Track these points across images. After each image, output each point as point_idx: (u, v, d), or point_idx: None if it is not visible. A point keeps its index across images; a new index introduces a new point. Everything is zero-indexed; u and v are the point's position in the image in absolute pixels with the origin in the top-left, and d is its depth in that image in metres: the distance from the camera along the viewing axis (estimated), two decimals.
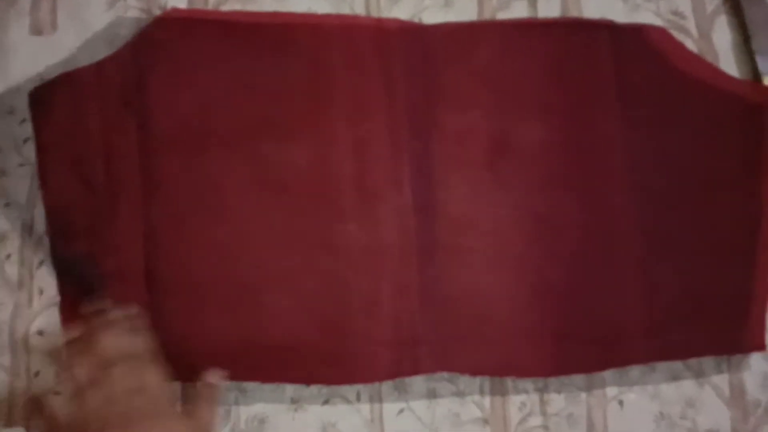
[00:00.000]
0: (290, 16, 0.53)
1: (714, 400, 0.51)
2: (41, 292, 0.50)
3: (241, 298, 0.49)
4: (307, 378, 0.49)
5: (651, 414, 0.50)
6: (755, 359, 0.51)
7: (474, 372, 0.49)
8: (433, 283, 0.50)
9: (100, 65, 0.51)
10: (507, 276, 0.51)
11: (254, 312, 0.49)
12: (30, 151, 0.51)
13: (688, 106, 0.53)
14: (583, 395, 0.50)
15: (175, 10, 0.53)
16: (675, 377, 0.51)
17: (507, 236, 0.51)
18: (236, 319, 0.48)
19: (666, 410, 0.50)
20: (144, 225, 0.49)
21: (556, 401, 0.50)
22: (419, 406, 0.50)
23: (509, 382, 0.50)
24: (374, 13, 0.54)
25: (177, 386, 0.48)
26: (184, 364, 0.47)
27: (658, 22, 0.55)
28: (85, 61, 0.52)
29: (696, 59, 0.54)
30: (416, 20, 0.54)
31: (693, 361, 0.51)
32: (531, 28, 0.54)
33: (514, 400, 0.50)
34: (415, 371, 0.49)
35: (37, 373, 0.49)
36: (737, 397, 0.51)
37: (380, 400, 0.50)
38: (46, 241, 0.50)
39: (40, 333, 0.49)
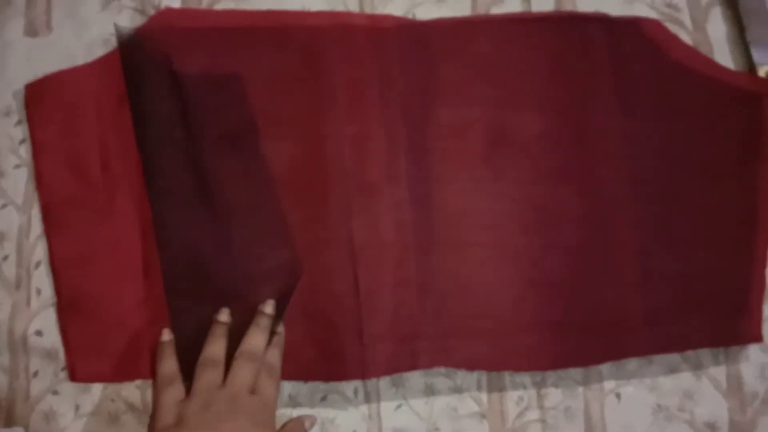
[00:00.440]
0: (284, 14, 0.53)
1: (711, 391, 0.51)
2: (39, 292, 0.50)
3: (237, 294, 0.49)
4: (304, 375, 0.49)
5: (648, 406, 0.50)
6: (753, 351, 0.51)
7: (472, 366, 0.49)
8: (431, 277, 0.50)
9: (95, 65, 0.52)
10: (505, 269, 0.51)
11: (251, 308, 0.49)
12: (27, 152, 0.51)
13: (684, 97, 0.53)
14: (581, 389, 0.50)
15: (170, 9, 0.53)
16: (672, 369, 0.51)
17: (505, 230, 0.51)
18: (234, 315, 0.48)
19: (663, 402, 0.50)
20: (141, 222, 0.50)
21: (554, 395, 0.50)
22: (417, 401, 0.50)
23: (507, 376, 0.50)
24: (368, 10, 0.54)
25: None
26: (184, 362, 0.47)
27: (652, 14, 0.55)
28: (80, 61, 0.52)
29: (691, 51, 0.54)
30: (410, 16, 0.54)
31: (690, 353, 0.51)
32: (526, 23, 0.54)
33: (512, 395, 0.50)
34: (413, 366, 0.49)
35: (36, 373, 0.49)
36: (735, 388, 0.51)
37: (378, 396, 0.50)
38: (44, 241, 0.50)
39: (39, 333, 0.49)
